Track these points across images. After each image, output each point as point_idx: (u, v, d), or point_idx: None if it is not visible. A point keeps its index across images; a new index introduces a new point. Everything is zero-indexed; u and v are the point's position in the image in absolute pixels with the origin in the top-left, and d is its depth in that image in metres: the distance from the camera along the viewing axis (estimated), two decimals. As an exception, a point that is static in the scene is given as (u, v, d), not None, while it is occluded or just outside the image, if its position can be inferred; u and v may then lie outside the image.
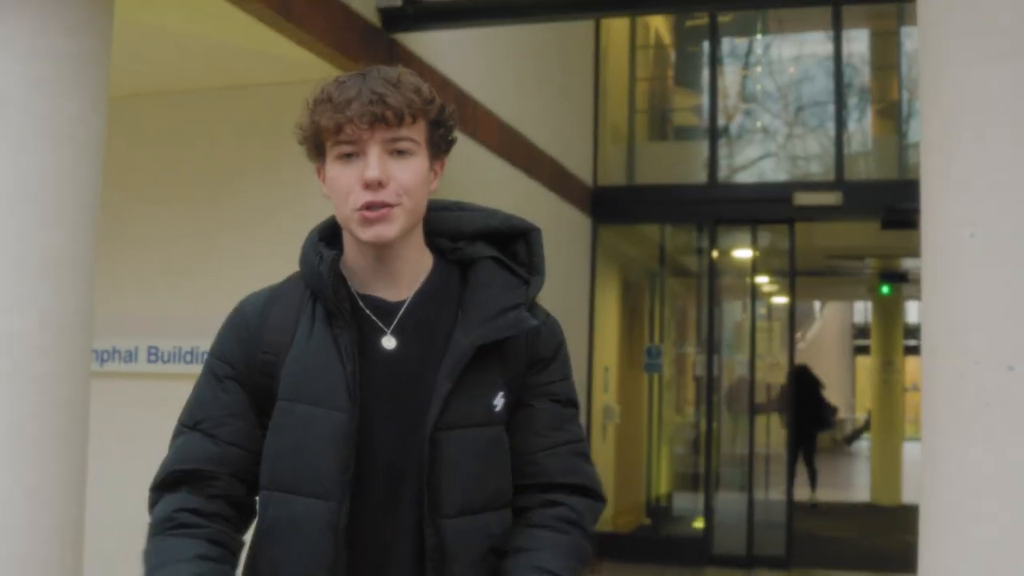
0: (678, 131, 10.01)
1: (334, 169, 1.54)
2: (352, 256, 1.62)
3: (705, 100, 8.68)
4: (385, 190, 1.52)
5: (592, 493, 1.64)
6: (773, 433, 8.76)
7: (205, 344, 1.65)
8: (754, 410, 8.34)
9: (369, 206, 1.51)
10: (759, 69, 9.40)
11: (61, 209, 3.33)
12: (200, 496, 1.58)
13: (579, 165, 8.02)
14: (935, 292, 2.44)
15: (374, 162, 1.51)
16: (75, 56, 3.37)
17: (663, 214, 8.63)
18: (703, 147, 8.47)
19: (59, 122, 3.33)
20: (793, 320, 8.82)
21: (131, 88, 4.69)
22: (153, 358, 4.77)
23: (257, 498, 1.61)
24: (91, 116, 3.40)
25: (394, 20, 4.51)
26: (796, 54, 9.13)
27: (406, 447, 1.53)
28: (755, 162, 9.27)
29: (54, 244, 3.31)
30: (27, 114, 3.30)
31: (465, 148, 5.43)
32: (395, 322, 1.58)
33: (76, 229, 3.36)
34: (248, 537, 1.66)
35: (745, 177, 9.07)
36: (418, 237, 1.64)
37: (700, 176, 8.34)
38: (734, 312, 8.64)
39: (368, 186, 1.51)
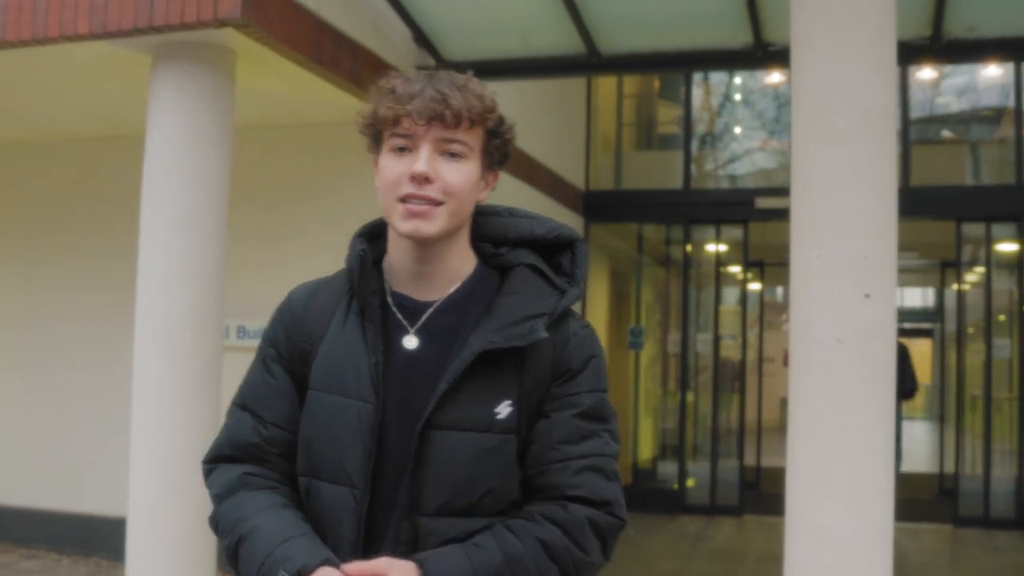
0: (660, 141, 11.21)
1: (386, 160, 1.52)
2: (394, 253, 1.60)
3: (682, 116, 9.88)
4: (430, 186, 1.49)
5: (602, 506, 1.51)
6: (736, 406, 9.91)
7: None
8: (718, 386, 9.53)
9: (411, 197, 1.49)
10: (731, 90, 10.60)
11: (203, 226, 4.62)
12: (257, 467, 1.60)
13: (573, 173, 9.24)
14: (800, 289, 3.76)
15: (424, 157, 1.48)
16: (212, 118, 4.66)
17: (645, 214, 9.84)
18: (680, 156, 9.68)
19: (202, 166, 4.63)
20: (746, 304, 10.00)
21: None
22: (241, 335, 6.06)
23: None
24: (222, 162, 4.70)
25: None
26: (761, 81, 10.27)
27: (405, 444, 1.50)
28: (723, 170, 10.52)
29: (198, 251, 4.61)
30: (179, 161, 4.61)
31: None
32: (420, 323, 1.56)
33: (212, 240, 4.66)
34: None
35: (714, 183, 10.33)
36: (462, 241, 1.60)
37: (677, 182, 9.56)
38: (707, 297, 9.83)
39: (414, 179, 1.48)
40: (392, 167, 1.51)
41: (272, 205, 6.22)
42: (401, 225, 1.50)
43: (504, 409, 1.50)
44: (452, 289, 1.58)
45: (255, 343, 5.25)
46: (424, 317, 1.56)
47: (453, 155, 1.51)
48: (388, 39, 5.55)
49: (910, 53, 5.11)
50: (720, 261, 9.79)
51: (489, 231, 1.65)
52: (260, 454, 1.60)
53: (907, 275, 16.35)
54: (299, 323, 1.61)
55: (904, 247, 11.95)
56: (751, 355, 10.62)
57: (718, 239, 9.64)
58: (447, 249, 1.56)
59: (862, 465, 3.71)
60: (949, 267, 10.13)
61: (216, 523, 1.59)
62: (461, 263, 1.60)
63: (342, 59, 5.03)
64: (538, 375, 1.54)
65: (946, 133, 10.46)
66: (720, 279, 9.66)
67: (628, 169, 10.23)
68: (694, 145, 9.99)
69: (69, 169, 6.98)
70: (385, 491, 1.51)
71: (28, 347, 6.98)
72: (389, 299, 1.58)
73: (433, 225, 1.50)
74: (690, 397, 9.59)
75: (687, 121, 9.65)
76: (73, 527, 6.67)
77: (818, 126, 3.77)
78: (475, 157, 1.54)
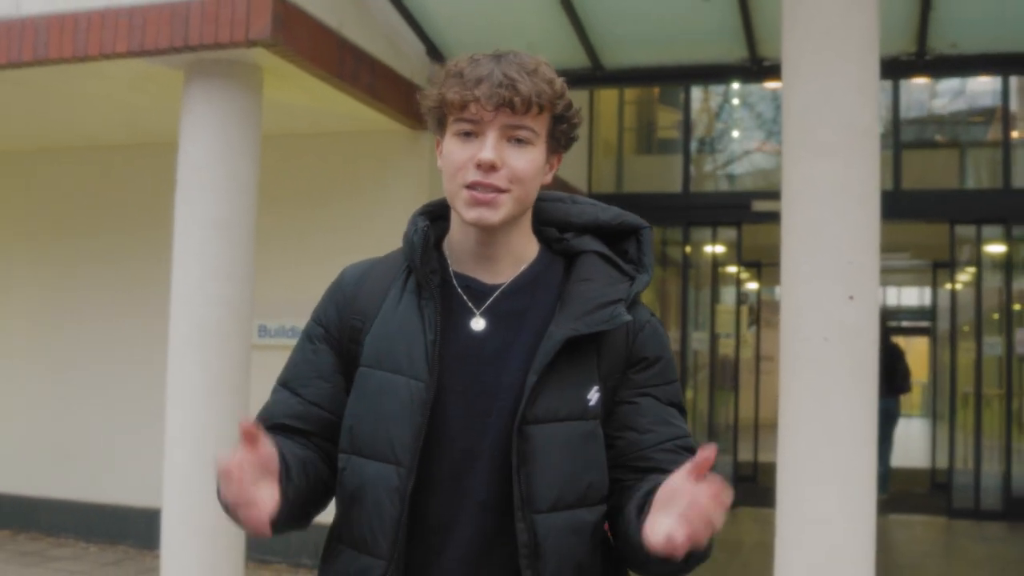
0: (660, 146, 11.52)
1: (451, 144, 1.49)
2: (456, 235, 1.58)
3: (682, 120, 10.19)
4: (497, 174, 1.46)
5: None
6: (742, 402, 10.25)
7: (301, 323, 1.69)
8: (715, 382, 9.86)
9: (477, 185, 1.46)
10: (729, 96, 10.91)
11: (234, 231, 4.94)
12: (292, 442, 1.56)
13: (576, 176, 9.55)
14: (790, 291, 4.08)
15: (491, 144, 1.45)
16: (241, 131, 4.97)
17: (646, 216, 10.01)
18: (679, 160, 9.99)
19: (232, 176, 4.95)
20: (741, 303, 10.33)
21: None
22: (263, 334, 6.38)
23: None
24: (251, 172, 5.02)
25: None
26: (758, 87, 10.57)
27: (475, 430, 1.48)
28: (721, 173, 10.83)
29: (229, 255, 4.93)
30: (211, 172, 4.92)
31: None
32: (486, 305, 1.54)
33: (242, 245, 4.97)
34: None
35: (713, 186, 10.65)
36: (525, 225, 1.58)
37: (676, 185, 9.86)
38: (704, 296, 10.14)
39: (480, 166, 1.45)
40: (457, 152, 1.48)
41: (291, 210, 6.53)
42: (466, 213, 1.48)
43: (594, 395, 1.49)
44: (518, 273, 1.56)
45: (276, 341, 5.57)
46: (491, 299, 1.54)
47: (520, 141, 1.48)
48: (403, 54, 5.87)
49: (896, 68, 5.44)
50: (718, 262, 10.12)
51: (552, 216, 1.63)
52: (295, 430, 1.56)
53: (902, 275, 16.70)
54: (351, 300, 1.59)
55: (897, 248, 12.28)
56: (748, 353, 10.94)
57: (715, 240, 9.96)
58: (511, 232, 1.54)
59: (847, 452, 4.02)
60: (942, 267, 10.44)
61: None
62: (524, 246, 1.58)
63: (362, 74, 5.35)
64: (614, 361, 1.53)
65: (938, 137, 10.77)
66: (718, 279, 9.99)
67: (629, 173, 10.54)
68: (693, 149, 10.30)
69: (96, 174, 7.30)
70: (447, 478, 1.47)
71: (57, 344, 7.30)
72: (453, 279, 1.56)
73: (498, 213, 1.48)
74: (689, 394, 9.91)
75: (686, 126, 9.97)
76: (100, 517, 6.98)
77: (807, 141, 4.09)
78: (541, 143, 1.50)
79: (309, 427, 1.57)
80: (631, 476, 1.50)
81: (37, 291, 7.44)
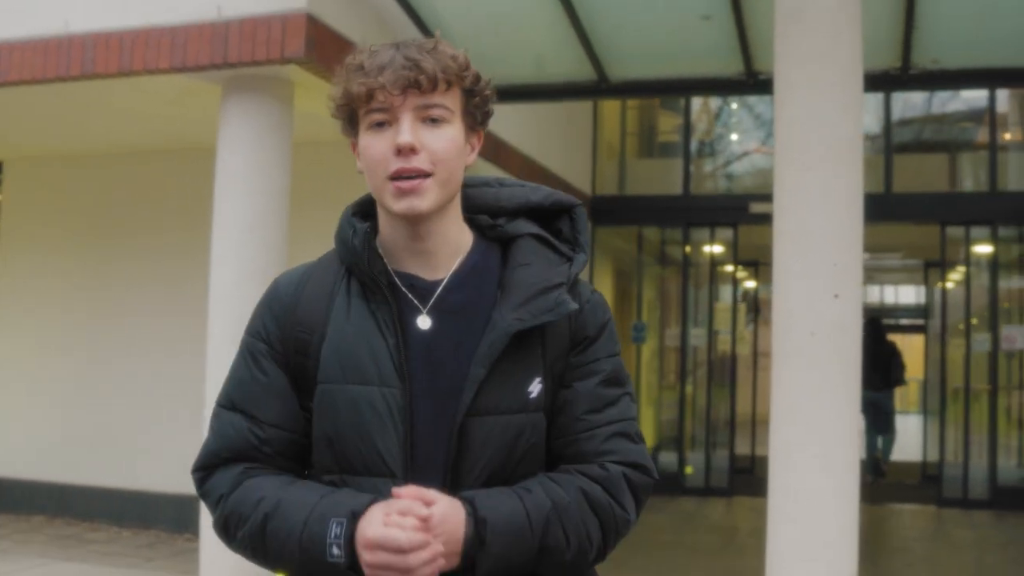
0: (661, 149, 11.93)
1: (366, 138, 1.46)
2: (387, 233, 1.53)
3: (682, 125, 10.59)
4: (417, 157, 1.43)
5: (634, 468, 1.51)
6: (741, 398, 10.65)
7: None
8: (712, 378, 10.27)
9: (401, 174, 1.43)
10: (727, 101, 11.30)
11: (267, 233, 5.32)
12: (256, 464, 1.51)
13: (580, 179, 9.94)
14: (780, 290, 4.48)
15: (406, 127, 1.42)
16: (275, 141, 5.36)
17: (647, 218, 10.56)
18: (680, 164, 10.39)
19: (266, 183, 5.34)
20: (739, 301, 10.72)
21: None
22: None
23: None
24: (283, 179, 5.42)
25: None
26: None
27: (436, 429, 1.45)
28: (720, 176, 11.23)
29: (263, 255, 5.31)
30: (247, 180, 5.31)
31: (490, 173, 7.35)
32: (431, 302, 1.49)
33: (275, 246, 5.37)
34: None
35: (712, 188, 11.05)
36: (455, 213, 1.53)
37: (677, 188, 10.26)
38: (703, 294, 10.52)
39: (400, 152, 1.42)
40: (374, 144, 1.45)
41: (315, 211, 6.92)
42: (394, 205, 1.45)
43: (535, 387, 1.47)
44: (456, 264, 1.53)
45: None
46: (435, 296, 1.50)
47: (434, 121, 1.45)
48: (421, 67, 6.26)
49: (882, 82, 5.83)
50: (715, 261, 10.52)
51: (482, 202, 1.59)
52: (259, 455, 1.50)
53: (897, 274, 17.11)
54: (291, 311, 1.53)
55: (890, 248, 12.67)
56: (745, 350, 11.35)
57: (713, 240, 10.36)
58: (443, 222, 1.51)
59: (834, 437, 4.43)
60: (933, 267, 10.85)
61: (225, 520, 1.49)
62: (458, 236, 1.54)
63: (384, 87, 5.75)
64: (559, 346, 1.51)
65: (929, 141, 11.16)
66: (716, 277, 10.39)
67: (631, 176, 10.93)
68: (693, 152, 10.70)
69: (131, 178, 7.70)
70: (418, 479, 1.42)
71: (92, 339, 7.70)
72: (395, 279, 1.51)
73: (426, 200, 1.44)
74: (688, 389, 10.30)
75: (686, 130, 10.37)
76: (132, 503, 7.39)
77: (796, 153, 4.49)
78: (456, 120, 1.48)
79: (270, 449, 1.50)
80: (561, 463, 1.50)
81: (74, 288, 7.84)
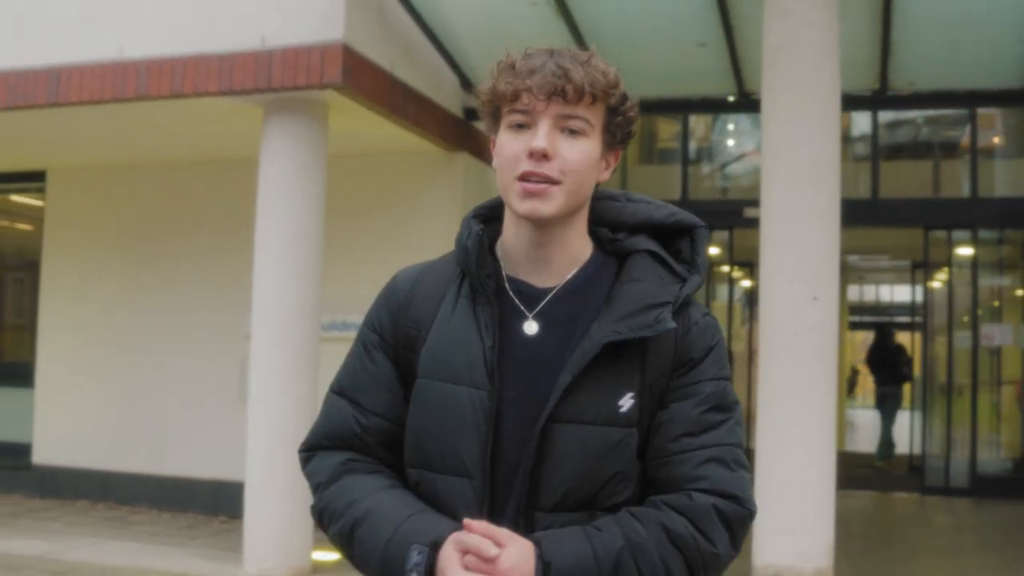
0: (660, 156, 12.46)
1: (504, 137, 1.47)
2: (509, 237, 1.54)
3: (680, 132, 11.12)
4: (549, 164, 1.42)
5: (728, 498, 1.45)
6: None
7: (353, 318, 2.03)
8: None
9: (529, 176, 1.43)
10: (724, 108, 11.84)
11: (306, 241, 5.90)
12: (359, 454, 1.56)
13: (584, 184, 10.49)
14: (766, 293, 5.05)
15: (543, 132, 1.42)
16: (312, 159, 5.92)
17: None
18: (678, 170, 10.91)
19: (305, 195, 5.90)
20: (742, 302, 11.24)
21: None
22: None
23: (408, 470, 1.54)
24: (319, 192, 5.98)
25: (474, 114, 7.06)
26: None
27: (520, 435, 1.45)
28: (717, 181, 11.79)
29: (302, 261, 5.88)
30: (287, 193, 5.88)
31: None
32: (538, 309, 1.50)
33: (312, 253, 5.93)
34: None
35: (709, 194, 11.61)
36: (580, 224, 1.53)
37: (676, 193, 10.79)
38: (699, 294, 11.03)
39: (532, 155, 1.42)
40: (510, 144, 1.46)
41: (345, 219, 7.49)
42: (518, 205, 1.45)
43: (627, 402, 1.45)
44: (570, 275, 1.53)
45: (327, 334, 6.49)
46: (543, 303, 1.51)
47: (573, 132, 1.45)
48: (441, 88, 6.85)
49: (861, 103, 6.41)
50: (712, 262, 11.08)
51: (605, 216, 1.58)
52: (360, 443, 1.55)
53: (888, 275, 17.69)
54: (405, 307, 1.57)
55: (877, 250, 13.17)
56: (740, 347, 11.92)
57: (710, 242, 10.92)
58: (565, 232, 1.51)
59: (814, 425, 5.00)
60: (919, 268, 11.40)
61: (321, 511, 1.55)
62: (579, 248, 1.54)
63: (409, 107, 6.33)
64: (660, 365, 1.48)
65: (913, 149, 11.70)
66: (712, 277, 10.96)
67: (633, 181, 11.48)
68: (691, 159, 11.26)
69: (172, 187, 8.22)
70: (500, 483, 1.45)
71: (133, 335, 8.26)
72: (506, 284, 1.52)
73: (550, 205, 1.44)
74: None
75: (684, 137, 10.93)
76: (169, 488, 7.95)
77: (781, 170, 5.06)
78: (596, 135, 1.47)
79: (371, 438, 1.55)
80: (654, 487, 1.48)
81: (118, 288, 8.36)
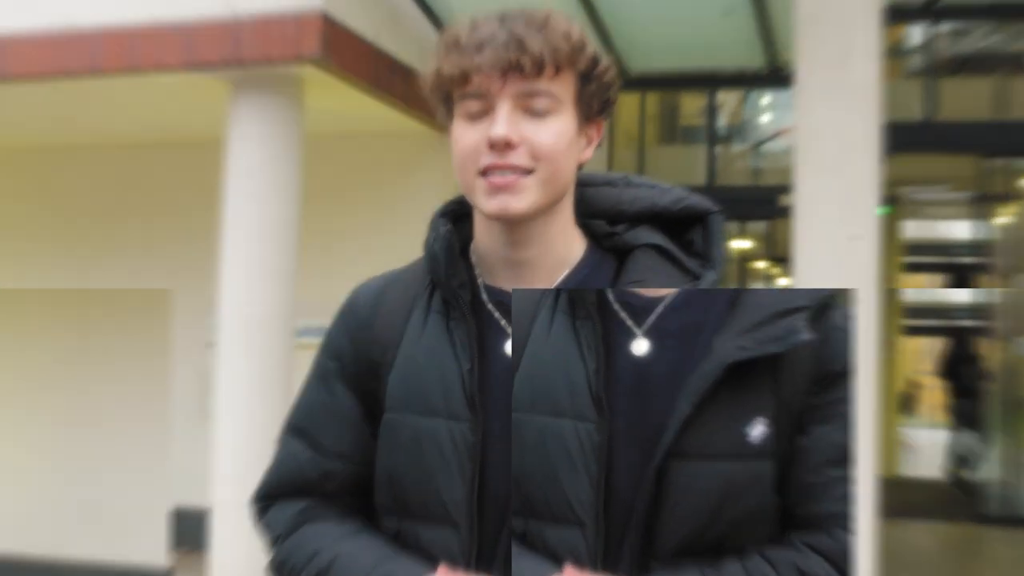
0: (684, 134, 12.69)
1: (458, 128, 1.42)
2: (481, 239, 1.50)
3: (707, 107, 11.34)
4: (515, 152, 1.38)
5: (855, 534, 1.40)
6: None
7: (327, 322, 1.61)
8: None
9: (492, 169, 1.39)
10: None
11: (278, 235, 6.16)
12: (318, 501, 1.55)
13: (595, 168, 10.73)
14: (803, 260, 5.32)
15: (502, 117, 1.38)
16: (285, 141, 6.19)
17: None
18: (703, 151, 11.13)
19: (276, 183, 6.17)
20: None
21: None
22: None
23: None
24: (294, 179, 6.25)
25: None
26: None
27: (505, 473, 1.42)
28: (748, 164, 12.03)
29: (273, 259, 6.14)
30: (257, 179, 6.15)
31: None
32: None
33: (286, 248, 6.19)
34: None
35: (740, 179, 11.85)
36: (564, 219, 1.49)
37: (700, 178, 11.02)
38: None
39: (493, 146, 1.38)
40: (466, 135, 1.42)
41: (320, 206, 7.74)
42: (485, 204, 1.41)
43: (758, 429, 1.37)
44: (559, 279, 1.48)
45: (302, 341, 6.72)
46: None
47: (538, 111, 1.40)
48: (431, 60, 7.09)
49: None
50: (745, 257, 11.35)
51: (601, 205, 1.54)
52: (320, 490, 1.55)
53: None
54: (366, 327, 1.54)
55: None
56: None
57: (743, 234, 11.18)
58: (546, 229, 1.47)
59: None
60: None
61: (279, 565, 1.55)
62: (566, 246, 1.50)
63: (396, 83, 6.59)
64: (797, 381, 1.39)
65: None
66: (746, 275, 11.21)
67: (651, 164, 11.72)
68: (718, 139, 11.49)
69: (120, 172, 8.48)
70: (485, 530, 1.43)
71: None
72: (483, 294, 1.49)
73: (523, 200, 1.40)
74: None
75: (711, 112, 11.16)
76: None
77: (814, 158, 5.34)
78: (567, 110, 1.43)
79: (332, 484, 1.54)
80: (791, 525, 1.40)
81: (63, 280, 8.60)
